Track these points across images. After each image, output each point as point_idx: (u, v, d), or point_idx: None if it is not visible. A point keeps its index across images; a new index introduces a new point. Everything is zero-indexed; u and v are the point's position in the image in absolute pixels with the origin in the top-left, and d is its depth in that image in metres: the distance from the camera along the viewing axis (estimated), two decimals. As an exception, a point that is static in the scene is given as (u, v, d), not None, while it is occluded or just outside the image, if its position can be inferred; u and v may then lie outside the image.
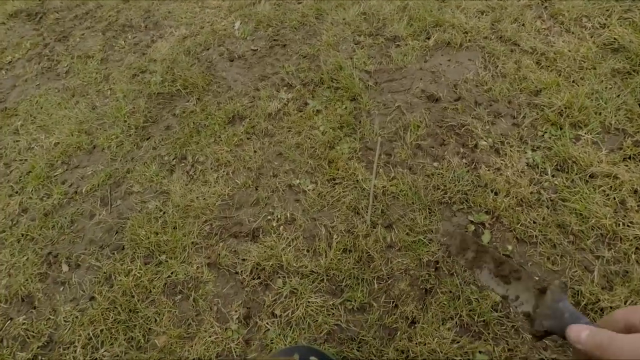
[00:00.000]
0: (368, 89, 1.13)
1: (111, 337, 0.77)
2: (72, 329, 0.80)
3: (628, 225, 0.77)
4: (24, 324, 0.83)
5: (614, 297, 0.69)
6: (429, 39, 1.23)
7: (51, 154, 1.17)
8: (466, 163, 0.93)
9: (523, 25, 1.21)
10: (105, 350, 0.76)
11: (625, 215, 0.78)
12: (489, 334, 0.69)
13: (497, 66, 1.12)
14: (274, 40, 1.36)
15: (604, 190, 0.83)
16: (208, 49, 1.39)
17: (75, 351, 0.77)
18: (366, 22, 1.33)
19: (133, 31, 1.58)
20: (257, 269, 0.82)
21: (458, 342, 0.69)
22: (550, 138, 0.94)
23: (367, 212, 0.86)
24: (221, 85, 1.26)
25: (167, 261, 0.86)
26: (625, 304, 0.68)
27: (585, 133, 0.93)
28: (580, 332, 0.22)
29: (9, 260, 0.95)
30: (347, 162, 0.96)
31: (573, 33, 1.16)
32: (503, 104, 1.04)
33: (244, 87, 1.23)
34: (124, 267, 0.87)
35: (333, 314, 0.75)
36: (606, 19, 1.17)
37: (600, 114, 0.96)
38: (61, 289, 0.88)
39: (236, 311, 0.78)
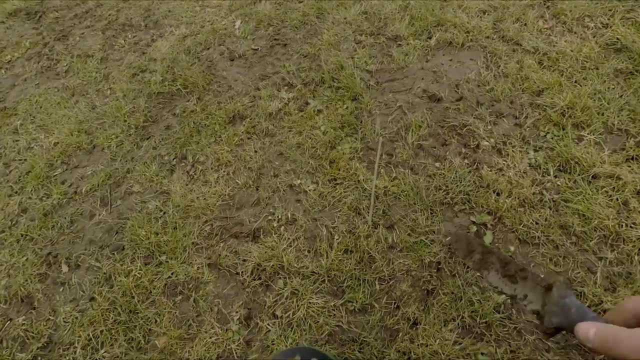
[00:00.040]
0: (369, 89, 1.13)
1: (111, 338, 0.77)
2: (72, 330, 0.79)
3: (631, 227, 0.77)
4: (23, 324, 0.83)
5: (617, 299, 0.69)
6: (430, 38, 1.22)
7: (51, 153, 1.17)
8: (468, 163, 0.92)
9: (525, 25, 1.20)
10: (105, 351, 0.76)
11: (628, 217, 0.78)
12: (491, 335, 0.69)
13: (499, 66, 1.11)
14: (275, 39, 1.35)
15: (607, 191, 0.82)
16: (208, 48, 1.39)
17: (75, 352, 0.76)
18: (367, 21, 1.32)
19: (133, 30, 1.57)
20: (257, 269, 0.82)
21: (460, 344, 0.68)
22: (552, 138, 0.93)
23: (368, 212, 0.86)
24: (222, 84, 1.25)
25: (167, 262, 0.86)
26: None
27: (587, 133, 0.92)
28: (588, 330, 0.22)
29: (9, 260, 0.94)
30: (349, 162, 0.96)
31: (575, 33, 1.16)
32: (505, 104, 1.03)
33: (245, 86, 1.23)
34: (124, 268, 0.86)
35: (334, 315, 0.74)
36: (609, 19, 1.17)
37: (602, 114, 0.95)
38: (61, 289, 0.87)
39: (237, 312, 0.77)
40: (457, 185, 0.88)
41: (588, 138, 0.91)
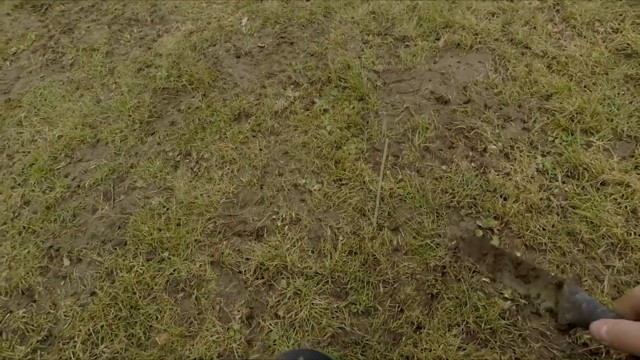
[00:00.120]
0: (376, 89, 1.12)
1: (111, 334, 0.76)
2: (72, 324, 0.79)
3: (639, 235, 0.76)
4: (23, 317, 0.82)
5: (624, 308, 0.68)
6: (438, 39, 1.21)
7: (54, 146, 1.16)
8: (475, 167, 0.92)
9: (534, 28, 1.19)
10: (105, 347, 0.75)
11: (636, 225, 0.77)
12: (495, 342, 0.68)
13: (508, 69, 1.10)
14: (282, 37, 1.35)
15: (615, 199, 0.81)
16: (214, 45, 1.38)
17: (75, 346, 0.76)
18: (375, 21, 1.32)
19: (139, 25, 1.56)
20: (260, 268, 0.81)
21: (464, 350, 0.68)
22: (561, 144, 0.92)
23: (373, 214, 0.85)
24: (227, 81, 1.24)
25: (169, 258, 0.85)
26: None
27: (596, 139, 0.91)
28: (600, 329, 0.23)
29: (10, 252, 0.94)
30: (354, 163, 0.95)
31: (585, 37, 1.15)
32: (513, 107, 1.02)
33: (251, 84, 1.22)
34: (126, 263, 0.86)
35: (337, 316, 0.74)
36: (619, 24, 1.16)
37: (612, 120, 0.94)
38: (62, 283, 0.87)
39: (239, 311, 0.77)
40: (463, 189, 0.87)
41: (597, 144, 0.90)
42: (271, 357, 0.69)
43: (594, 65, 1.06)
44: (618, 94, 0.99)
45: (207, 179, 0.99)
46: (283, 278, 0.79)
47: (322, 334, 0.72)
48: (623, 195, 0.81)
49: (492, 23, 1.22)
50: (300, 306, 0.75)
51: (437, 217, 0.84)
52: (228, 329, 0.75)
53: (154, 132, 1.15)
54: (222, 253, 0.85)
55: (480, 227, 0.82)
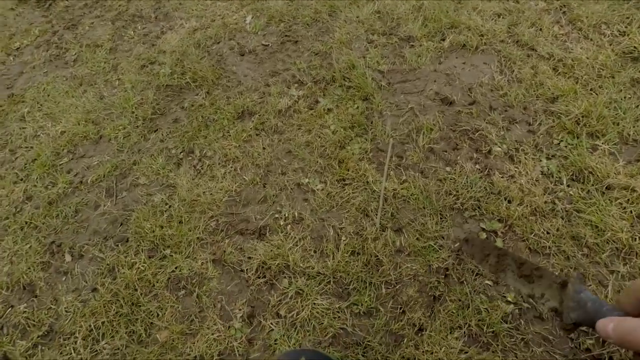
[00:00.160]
0: (381, 89, 1.11)
1: (112, 330, 0.76)
2: (73, 320, 0.79)
3: (645, 240, 0.75)
4: (24, 312, 0.82)
5: (628, 313, 0.67)
6: (444, 40, 1.21)
7: (57, 142, 1.16)
8: (479, 169, 0.91)
9: (540, 30, 1.18)
10: (105, 343, 0.75)
11: (642, 230, 0.76)
12: (497, 345, 0.67)
13: (513, 71, 1.10)
14: (286, 36, 1.34)
15: (621, 203, 0.80)
16: (218, 43, 1.37)
17: (75, 342, 0.76)
18: (380, 20, 1.31)
19: (143, 22, 1.56)
20: (262, 267, 0.81)
21: (466, 353, 0.67)
22: (566, 147, 0.92)
23: (376, 214, 0.85)
24: (231, 79, 1.24)
25: (171, 255, 0.85)
26: None
27: (602, 143, 0.90)
28: (607, 326, 0.23)
29: (12, 247, 0.94)
30: (358, 163, 0.94)
31: (592, 40, 1.14)
32: (518, 109, 1.01)
33: (254, 82, 1.21)
34: (127, 260, 0.86)
35: (339, 317, 0.73)
36: (626, 27, 1.15)
37: (618, 124, 0.93)
38: (63, 278, 0.87)
39: (240, 309, 0.76)
40: (467, 191, 0.86)
41: (602, 148, 0.89)
42: (272, 357, 0.69)
43: (601, 68, 1.05)
44: (624, 97, 0.98)
45: (210, 176, 0.99)
46: (285, 277, 0.79)
47: (323, 334, 0.72)
48: (628, 199, 0.80)
49: (498, 24, 1.22)
50: (302, 306, 0.75)
51: (440, 218, 0.83)
52: (229, 327, 0.75)
53: (157, 129, 1.15)
54: (224, 251, 0.84)
55: (484, 229, 0.81)
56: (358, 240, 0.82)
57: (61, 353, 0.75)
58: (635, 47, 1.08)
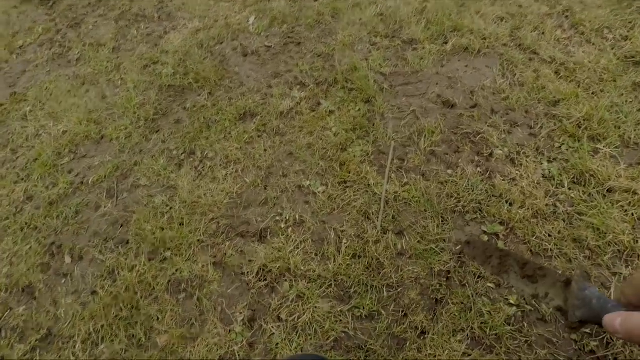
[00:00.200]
0: (383, 92, 1.12)
1: (112, 334, 0.76)
2: (73, 323, 0.78)
3: (647, 244, 0.75)
4: (23, 314, 0.81)
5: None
6: (446, 43, 1.21)
7: (59, 142, 1.16)
8: (481, 172, 0.91)
9: (543, 34, 1.19)
10: (105, 347, 0.74)
11: (644, 234, 0.76)
12: (501, 348, 0.67)
13: (515, 74, 1.10)
14: (289, 37, 1.34)
15: (622, 206, 0.80)
16: (221, 43, 1.38)
17: (74, 346, 0.75)
18: (383, 23, 1.31)
19: (146, 21, 1.56)
20: (263, 270, 0.80)
21: (469, 356, 0.67)
22: (567, 150, 0.92)
23: (378, 217, 0.84)
24: (233, 80, 1.24)
25: (172, 258, 0.85)
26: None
27: (603, 146, 0.90)
28: (614, 321, 0.23)
29: (12, 248, 0.93)
30: (359, 166, 0.94)
31: (594, 44, 1.14)
32: (520, 113, 1.02)
33: (257, 83, 1.21)
34: (127, 262, 0.85)
35: (340, 320, 0.73)
36: (628, 32, 1.15)
37: (619, 127, 0.94)
38: (63, 281, 0.86)
39: (241, 313, 0.76)
40: (469, 194, 0.86)
41: (604, 151, 0.90)
42: (274, 361, 0.68)
43: (602, 72, 1.06)
44: (626, 101, 0.98)
45: (211, 178, 0.99)
46: (286, 280, 0.79)
47: (325, 338, 0.71)
48: (630, 202, 0.80)
49: (501, 28, 1.22)
50: (303, 309, 0.74)
51: (442, 221, 0.83)
52: (230, 331, 0.74)
53: (159, 130, 1.15)
54: (225, 254, 0.84)
55: (485, 232, 0.81)
56: (359, 243, 0.81)
57: (60, 357, 0.74)
58: (637, 51, 1.08)
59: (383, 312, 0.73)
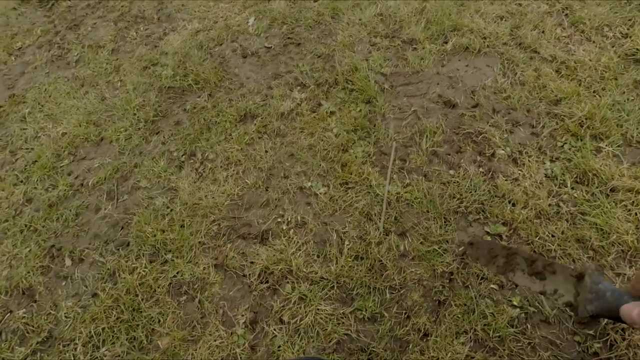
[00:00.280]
0: (383, 92, 1.11)
1: (113, 336, 0.75)
2: (73, 326, 0.78)
3: (651, 244, 0.74)
4: (23, 317, 0.81)
5: (636, 318, 0.67)
6: (446, 43, 1.21)
7: (58, 144, 1.16)
8: (483, 172, 0.90)
9: (543, 32, 1.18)
10: (106, 350, 0.74)
11: (648, 233, 0.76)
12: (504, 350, 0.67)
13: (516, 73, 1.09)
14: (289, 38, 1.34)
15: (626, 205, 0.80)
16: (221, 44, 1.37)
17: (75, 349, 0.75)
18: (383, 23, 1.31)
19: (145, 23, 1.56)
20: (265, 272, 0.80)
21: (472, 358, 0.66)
22: (570, 149, 0.91)
23: (380, 218, 0.84)
24: (233, 81, 1.24)
25: (173, 260, 0.84)
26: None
27: (606, 145, 0.90)
28: (632, 311, 0.22)
29: (11, 251, 0.93)
30: (361, 166, 0.94)
31: (594, 42, 1.14)
32: (522, 112, 1.01)
33: (257, 84, 1.21)
34: (128, 264, 0.85)
35: (343, 323, 0.72)
36: (628, 29, 1.15)
37: (621, 126, 0.93)
38: (63, 283, 0.86)
39: (243, 315, 0.75)
40: (471, 194, 0.86)
41: (606, 150, 0.89)
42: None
43: (603, 70, 1.05)
44: (628, 99, 0.98)
45: (212, 180, 0.98)
46: (288, 282, 0.78)
47: (327, 340, 0.71)
48: (633, 202, 0.80)
49: (501, 27, 1.22)
50: (306, 311, 0.74)
51: (444, 222, 0.83)
52: (232, 333, 0.74)
53: (159, 132, 1.14)
54: (226, 256, 0.84)
55: (488, 233, 0.81)
56: (362, 245, 0.81)
57: (61, 360, 0.74)
58: (637, 49, 1.08)
59: (385, 314, 0.73)
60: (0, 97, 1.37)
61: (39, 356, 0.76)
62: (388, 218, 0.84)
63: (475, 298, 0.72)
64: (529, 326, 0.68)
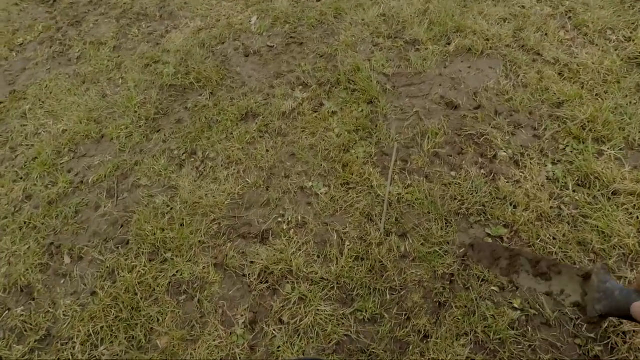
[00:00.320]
0: (386, 93, 1.11)
1: (111, 335, 0.75)
2: (72, 324, 0.77)
3: (653, 248, 0.74)
4: (22, 315, 0.80)
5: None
6: (449, 44, 1.21)
7: (58, 140, 1.15)
8: (485, 174, 0.90)
9: (546, 35, 1.18)
10: (105, 349, 0.73)
11: (650, 237, 0.76)
12: (505, 352, 0.66)
13: (519, 76, 1.09)
14: (291, 37, 1.34)
15: (627, 209, 0.80)
16: (223, 43, 1.37)
17: (74, 347, 0.74)
18: (385, 24, 1.31)
19: (148, 20, 1.55)
20: (265, 272, 0.80)
21: (473, 361, 0.66)
22: (572, 152, 0.91)
23: (381, 219, 0.84)
24: (235, 80, 1.23)
25: (172, 259, 0.84)
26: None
27: (608, 148, 0.90)
28: None
29: (10, 248, 0.92)
30: (362, 167, 0.94)
31: (597, 45, 1.14)
32: (524, 114, 1.01)
33: (259, 83, 1.21)
34: (128, 263, 0.84)
35: (343, 323, 0.72)
36: (631, 33, 1.15)
37: (624, 129, 0.93)
38: (62, 281, 0.85)
39: (242, 315, 0.75)
40: (473, 196, 0.86)
41: (608, 153, 0.89)
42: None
43: (606, 73, 1.05)
44: (630, 102, 0.98)
45: (213, 179, 0.98)
46: (288, 283, 0.78)
47: (327, 341, 0.70)
48: (635, 205, 0.80)
49: (504, 29, 1.22)
50: (305, 312, 0.73)
51: (445, 224, 0.83)
52: (231, 333, 0.73)
53: (160, 130, 1.14)
54: (226, 255, 0.83)
55: (489, 235, 0.80)
56: (362, 246, 0.81)
57: (59, 358, 0.73)
58: (640, 53, 1.08)
59: (386, 315, 0.72)
60: (1, 93, 1.36)
61: (37, 355, 0.75)
62: (389, 219, 0.84)
63: (476, 300, 0.72)
64: (529, 329, 0.68)
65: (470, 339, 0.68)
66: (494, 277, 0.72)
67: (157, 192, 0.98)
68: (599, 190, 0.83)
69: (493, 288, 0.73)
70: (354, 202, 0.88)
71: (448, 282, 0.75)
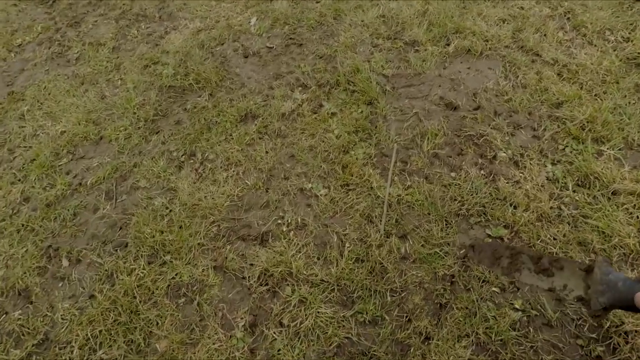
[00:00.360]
0: (385, 94, 1.11)
1: (110, 339, 0.74)
2: (70, 328, 0.77)
3: (653, 248, 0.74)
4: (19, 319, 0.80)
5: (638, 320, 0.66)
6: (448, 45, 1.21)
7: (57, 142, 1.14)
8: (484, 174, 0.90)
9: (545, 35, 1.19)
10: (103, 353, 0.73)
11: (650, 237, 0.76)
12: (506, 353, 0.66)
13: (518, 76, 1.09)
14: (290, 38, 1.34)
15: (627, 209, 0.80)
16: (222, 44, 1.37)
17: (72, 352, 0.73)
18: (385, 25, 1.31)
19: (147, 21, 1.55)
20: (265, 274, 0.79)
21: (474, 362, 0.66)
22: (571, 152, 0.91)
23: (381, 221, 0.83)
24: (234, 81, 1.23)
25: (171, 262, 0.83)
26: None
27: (607, 148, 0.90)
28: None
29: (7, 250, 0.92)
30: (362, 168, 0.93)
31: (596, 46, 1.14)
32: (523, 115, 1.01)
33: (258, 85, 1.21)
34: (126, 266, 0.84)
35: (343, 326, 0.72)
36: (630, 33, 1.15)
37: (623, 129, 0.93)
38: (60, 284, 0.84)
39: (242, 318, 0.74)
40: (472, 197, 0.85)
41: (608, 153, 0.89)
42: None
43: (605, 73, 1.06)
44: (629, 103, 0.98)
45: (212, 180, 0.98)
46: (288, 285, 0.77)
47: (327, 343, 0.70)
48: (635, 205, 0.80)
49: (503, 30, 1.22)
50: (306, 314, 0.73)
51: (445, 225, 0.82)
52: (231, 336, 0.73)
53: (159, 131, 1.13)
54: (226, 258, 0.83)
55: (489, 235, 0.80)
56: (362, 247, 0.80)
57: (57, 362, 0.73)
58: (639, 53, 1.08)
59: (387, 317, 0.72)
60: (-2, 95, 1.35)
61: (34, 359, 0.74)
62: (389, 220, 0.84)
63: (477, 301, 0.71)
64: (531, 329, 0.68)
65: (472, 341, 0.68)
66: (495, 277, 0.72)
67: (156, 194, 0.97)
68: (598, 190, 0.83)
69: (494, 289, 0.73)
70: (353, 203, 0.88)
71: (449, 284, 0.75)
